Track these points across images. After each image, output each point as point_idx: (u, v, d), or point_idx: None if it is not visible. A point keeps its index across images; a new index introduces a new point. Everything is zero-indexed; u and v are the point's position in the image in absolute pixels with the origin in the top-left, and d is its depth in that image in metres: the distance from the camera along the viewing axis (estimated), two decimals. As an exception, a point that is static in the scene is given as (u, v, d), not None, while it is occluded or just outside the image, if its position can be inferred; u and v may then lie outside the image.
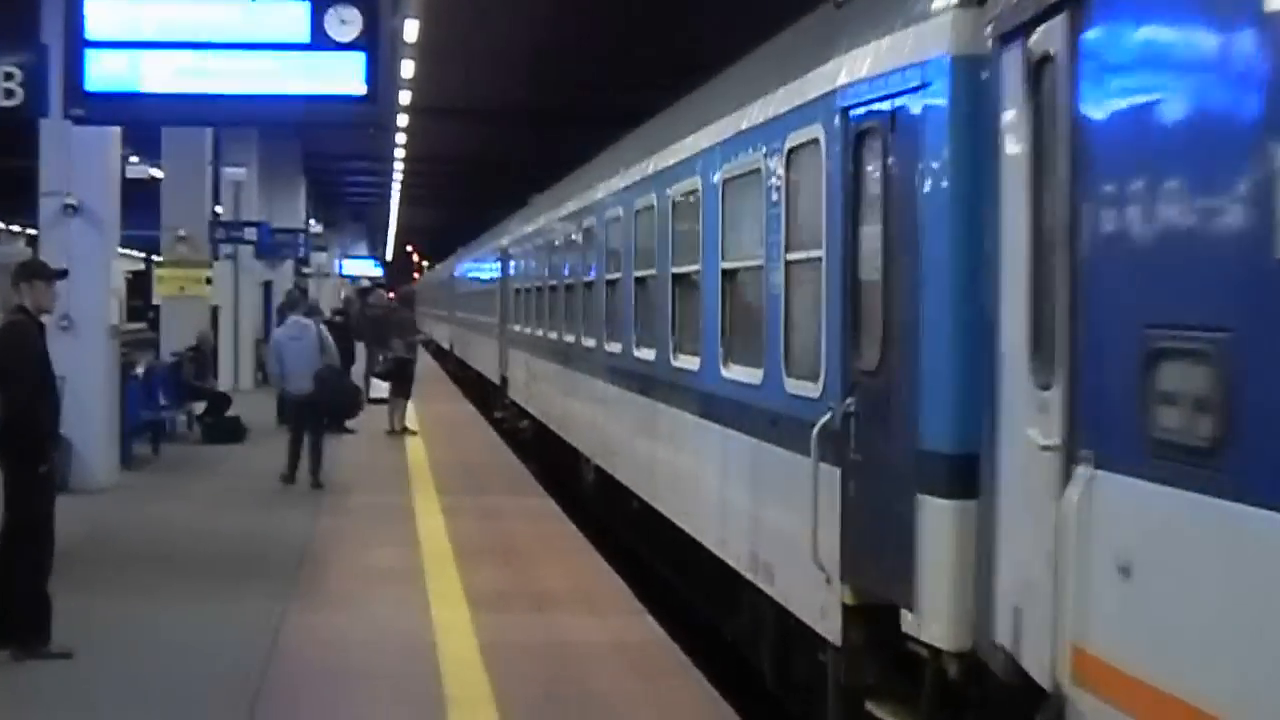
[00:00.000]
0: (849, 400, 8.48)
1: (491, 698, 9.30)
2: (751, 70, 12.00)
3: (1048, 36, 6.24)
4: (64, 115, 14.05)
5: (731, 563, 11.09)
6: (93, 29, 13.28)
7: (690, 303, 12.85)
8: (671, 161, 13.87)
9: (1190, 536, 4.94)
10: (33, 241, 39.99)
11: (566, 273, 21.05)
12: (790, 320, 9.84)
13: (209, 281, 29.23)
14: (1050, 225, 6.22)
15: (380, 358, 25.26)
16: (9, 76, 14.40)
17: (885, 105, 8.17)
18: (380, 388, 27.12)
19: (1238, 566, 4.67)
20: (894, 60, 8.09)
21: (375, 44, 13.22)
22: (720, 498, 11.60)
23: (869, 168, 8.44)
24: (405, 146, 44.84)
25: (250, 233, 33.20)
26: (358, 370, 28.92)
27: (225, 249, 32.98)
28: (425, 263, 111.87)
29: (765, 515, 10.31)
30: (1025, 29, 6.52)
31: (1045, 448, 6.10)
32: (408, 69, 28.74)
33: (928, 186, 7.68)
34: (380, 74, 13.42)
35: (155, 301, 35.84)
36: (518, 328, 27.69)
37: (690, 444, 12.78)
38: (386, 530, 15.81)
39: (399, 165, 51.44)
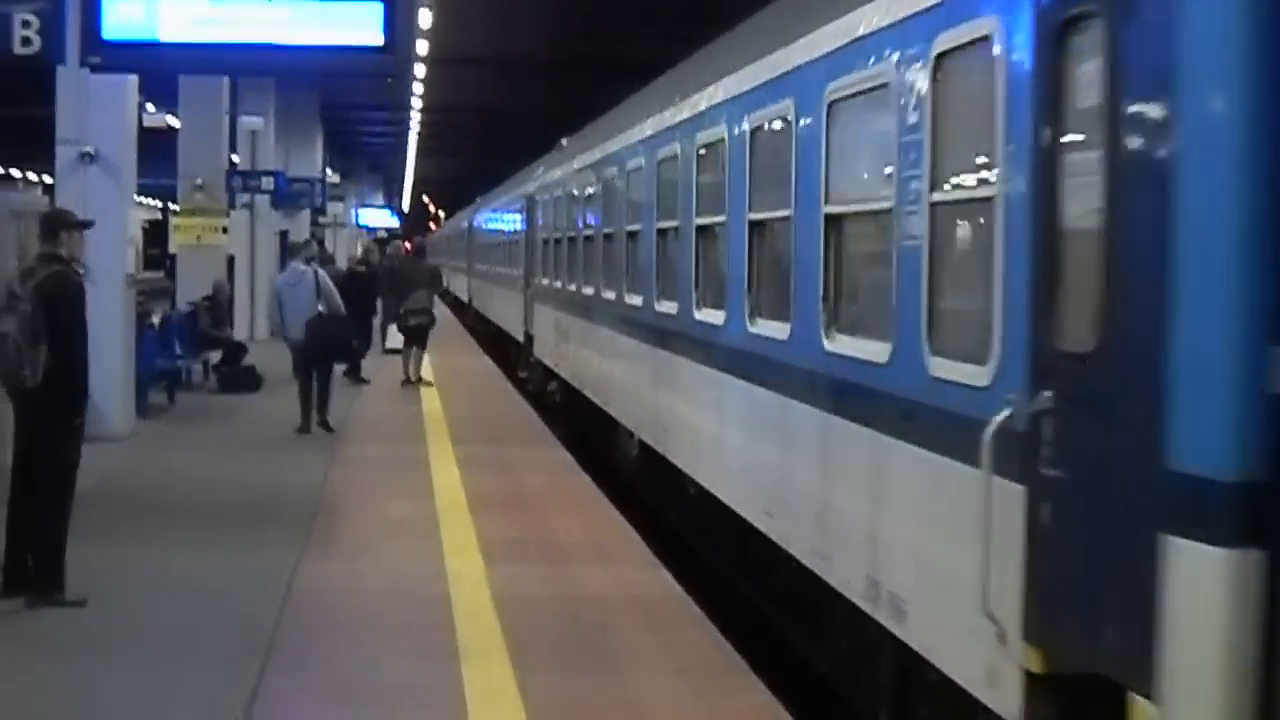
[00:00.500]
0: (1045, 394, 6.26)
1: (505, 648, 9.31)
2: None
3: None
4: (81, 63, 14.05)
5: (836, 584, 9.01)
6: (110, -24, 13.28)
7: (771, 256, 10.64)
8: (749, 85, 11.18)
9: None
10: (49, 190, 39.97)
11: (614, 223, 17.69)
12: (936, 280, 7.65)
13: (225, 230, 29.25)
14: None
15: (401, 310, 25.13)
16: (26, 24, 14.36)
17: None
18: (396, 338, 27.09)
19: None
20: None
21: (393, -7, 13.21)
22: (819, 501, 9.39)
23: (1082, 72, 6.13)
24: (422, 97, 44.74)
25: (267, 182, 33.20)
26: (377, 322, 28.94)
27: (242, 198, 33.02)
28: (441, 213, 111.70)
29: (892, 534, 8.14)
30: None
31: None
32: (425, 18, 28.63)
33: (1199, 94, 5.37)
34: (398, 24, 13.39)
35: (172, 250, 35.86)
36: (546, 281, 25.54)
37: (771, 429, 10.54)
38: (401, 480, 15.82)
39: (416, 115, 51.34)
